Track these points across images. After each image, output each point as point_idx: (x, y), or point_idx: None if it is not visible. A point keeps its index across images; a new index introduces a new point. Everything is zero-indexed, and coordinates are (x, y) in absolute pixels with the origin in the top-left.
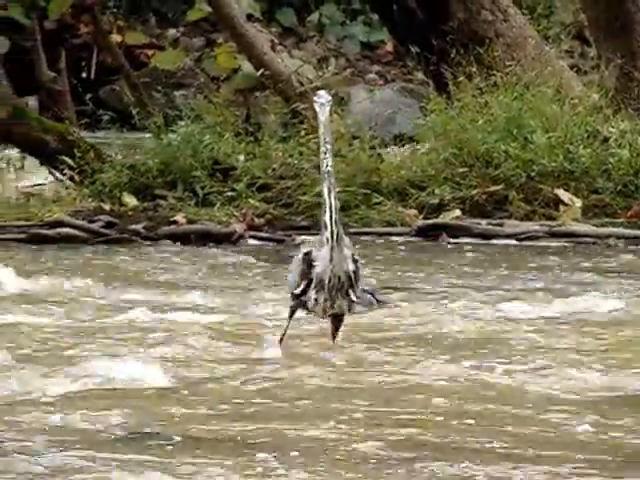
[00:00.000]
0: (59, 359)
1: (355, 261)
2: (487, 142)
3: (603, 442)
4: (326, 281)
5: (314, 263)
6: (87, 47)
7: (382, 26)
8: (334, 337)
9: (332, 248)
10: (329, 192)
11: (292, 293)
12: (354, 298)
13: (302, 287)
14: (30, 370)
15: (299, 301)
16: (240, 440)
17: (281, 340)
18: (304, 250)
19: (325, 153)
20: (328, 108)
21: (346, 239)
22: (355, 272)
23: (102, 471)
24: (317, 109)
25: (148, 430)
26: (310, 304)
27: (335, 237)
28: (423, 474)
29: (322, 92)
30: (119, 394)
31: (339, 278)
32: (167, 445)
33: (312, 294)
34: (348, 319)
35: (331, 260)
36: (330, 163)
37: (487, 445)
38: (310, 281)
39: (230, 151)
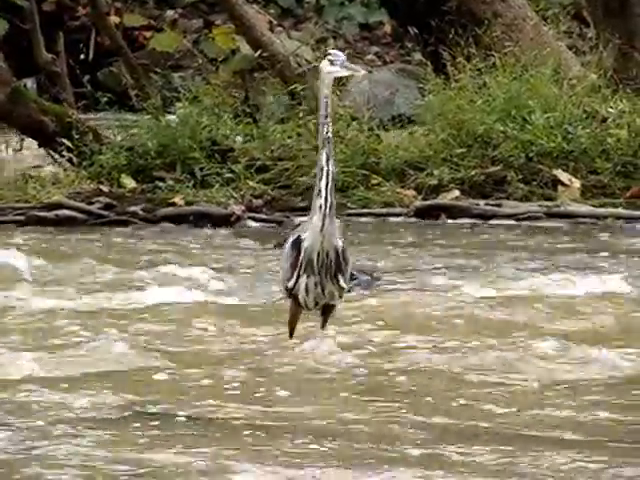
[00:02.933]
0: (53, 340)
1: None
2: (486, 123)
3: None
4: (315, 258)
5: (303, 236)
6: (85, 29)
7: (380, 7)
8: (323, 325)
9: (325, 216)
10: (327, 159)
11: (285, 287)
12: (344, 285)
13: (295, 277)
14: (23, 352)
15: (293, 297)
16: (234, 421)
17: (291, 334)
18: (292, 238)
19: (325, 117)
20: (336, 70)
21: (337, 220)
22: (343, 252)
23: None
24: (325, 69)
25: (143, 409)
26: (301, 296)
27: (329, 205)
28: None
29: (336, 51)
30: (113, 375)
31: (327, 254)
32: (160, 423)
33: (302, 281)
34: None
35: (322, 229)
36: (330, 129)
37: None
38: (300, 265)
39: (228, 132)
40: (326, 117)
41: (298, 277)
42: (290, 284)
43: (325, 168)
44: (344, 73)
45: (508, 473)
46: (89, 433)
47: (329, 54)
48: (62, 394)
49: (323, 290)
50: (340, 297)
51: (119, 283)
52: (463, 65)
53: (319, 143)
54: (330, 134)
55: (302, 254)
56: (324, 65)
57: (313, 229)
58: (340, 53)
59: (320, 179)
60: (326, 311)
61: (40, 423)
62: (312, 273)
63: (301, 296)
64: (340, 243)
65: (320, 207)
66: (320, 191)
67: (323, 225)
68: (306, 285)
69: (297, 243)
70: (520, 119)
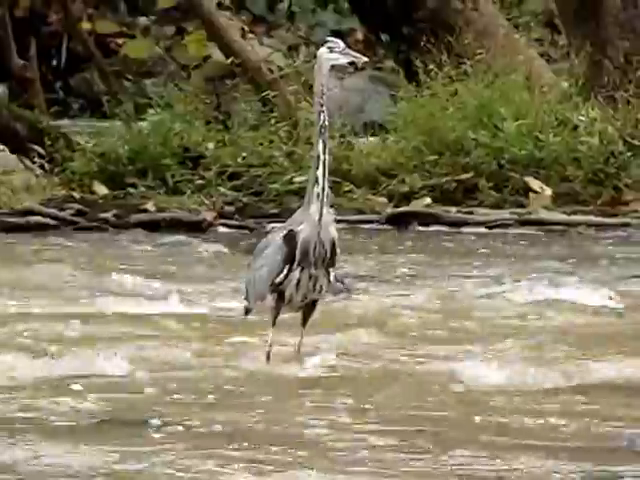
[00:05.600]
0: (27, 347)
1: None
2: (457, 130)
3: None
4: (311, 249)
5: (297, 229)
6: (57, 35)
7: (353, 14)
8: (304, 323)
9: (322, 205)
10: (324, 147)
11: (271, 283)
12: (332, 278)
13: (286, 271)
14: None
15: (277, 293)
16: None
17: (268, 356)
18: (282, 232)
19: (321, 106)
20: (336, 57)
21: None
22: (336, 243)
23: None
24: (324, 56)
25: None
26: (289, 292)
27: (326, 194)
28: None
29: (335, 39)
30: (86, 383)
31: (323, 245)
32: (141, 432)
33: (295, 275)
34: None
35: (320, 219)
36: (326, 117)
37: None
38: (294, 258)
39: (200, 139)
40: (322, 105)
41: (289, 271)
42: (279, 279)
43: (322, 157)
44: (344, 60)
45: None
46: (61, 440)
47: (328, 41)
48: (33, 399)
49: (315, 284)
50: (326, 291)
51: (83, 289)
52: (435, 72)
53: (315, 131)
54: (326, 122)
55: (298, 246)
56: (322, 52)
57: (310, 220)
58: (339, 40)
59: (317, 168)
60: (309, 308)
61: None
62: (307, 265)
63: (289, 292)
64: (335, 234)
65: (318, 196)
66: (317, 180)
67: (321, 215)
68: (298, 279)
69: (290, 236)
70: (491, 126)
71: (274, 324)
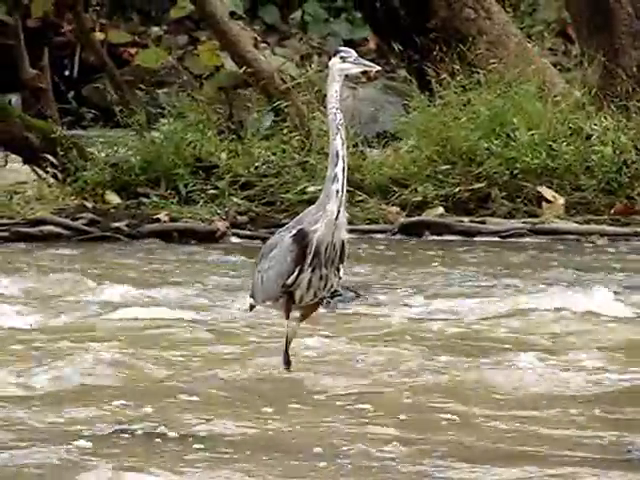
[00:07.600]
0: (39, 357)
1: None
2: (470, 139)
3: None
4: (323, 250)
5: (311, 228)
6: (70, 45)
7: (365, 24)
8: (302, 320)
9: (341, 203)
10: (342, 143)
11: (282, 284)
12: (342, 275)
13: (297, 272)
14: (8, 368)
15: (288, 295)
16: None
17: (287, 360)
18: (291, 232)
19: (337, 109)
20: (348, 67)
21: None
22: (345, 244)
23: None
24: (336, 66)
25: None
26: (300, 293)
27: (345, 191)
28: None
29: (347, 48)
30: (93, 392)
31: (334, 246)
32: (147, 440)
33: (305, 276)
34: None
35: (337, 218)
36: (342, 117)
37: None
38: (305, 258)
39: (213, 149)
40: (337, 108)
41: (300, 272)
42: (290, 280)
43: (341, 153)
44: (356, 70)
45: None
46: (72, 450)
47: (340, 50)
48: (44, 410)
49: (326, 283)
50: (334, 287)
51: (90, 298)
52: (447, 82)
53: (332, 129)
54: (342, 120)
55: (312, 245)
56: (335, 62)
57: (327, 218)
58: (351, 50)
59: (336, 164)
60: (312, 307)
61: (21, 439)
62: (319, 266)
63: (299, 293)
64: (347, 235)
65: (337, 193)
66: (336, 176)
67: (338, 213)
68: (309, 280)
69: (301, 236)
70: (504, 136)
71: (288, 317)
